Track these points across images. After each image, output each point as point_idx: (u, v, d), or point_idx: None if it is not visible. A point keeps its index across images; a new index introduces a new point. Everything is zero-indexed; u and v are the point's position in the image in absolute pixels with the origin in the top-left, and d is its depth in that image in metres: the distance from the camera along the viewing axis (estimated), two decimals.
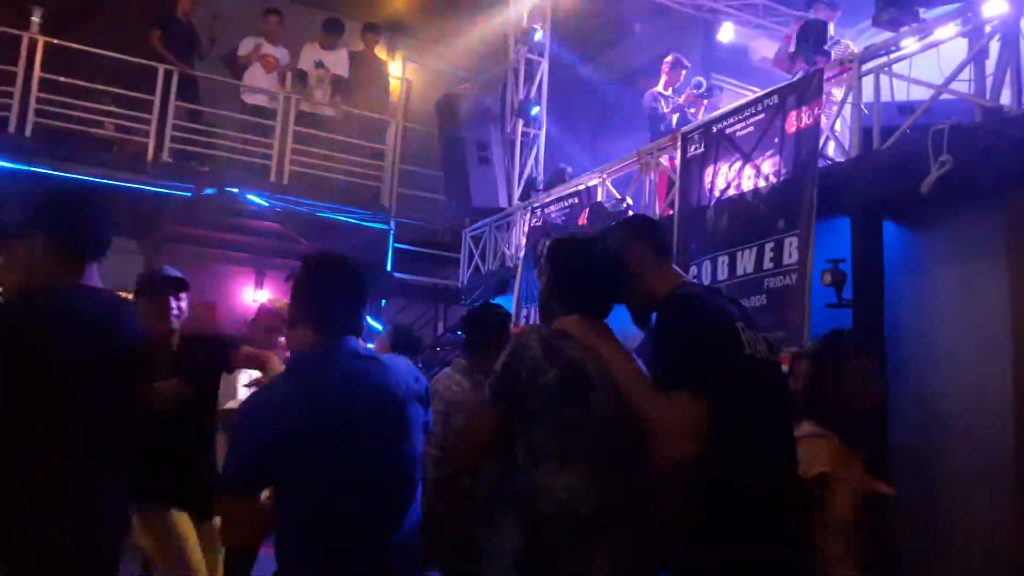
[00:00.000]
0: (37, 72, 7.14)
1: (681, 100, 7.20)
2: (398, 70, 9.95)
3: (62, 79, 7.23)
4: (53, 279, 1.95)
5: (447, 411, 3.08)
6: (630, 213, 5.53)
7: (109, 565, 1.96)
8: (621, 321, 2.17)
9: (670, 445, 1.83)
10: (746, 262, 4.16)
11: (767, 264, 4.01)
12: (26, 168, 6.95)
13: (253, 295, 8.87)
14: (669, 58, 7.41)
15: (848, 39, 7.86)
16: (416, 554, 2.08)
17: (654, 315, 2.08)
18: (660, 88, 7.30)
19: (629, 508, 1.93)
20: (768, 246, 4.02)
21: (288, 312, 2.22)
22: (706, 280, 4.38)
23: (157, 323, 2.93)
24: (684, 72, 7.34)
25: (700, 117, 7.17)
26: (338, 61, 8.51)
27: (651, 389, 1.90)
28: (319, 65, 8.38)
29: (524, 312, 6.35)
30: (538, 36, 8.45)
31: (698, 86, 7.19)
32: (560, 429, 1.92)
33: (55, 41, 7.28)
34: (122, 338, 1.97)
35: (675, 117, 7.19)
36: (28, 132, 7.09)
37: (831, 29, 5.38)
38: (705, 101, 7.20)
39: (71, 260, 1.98)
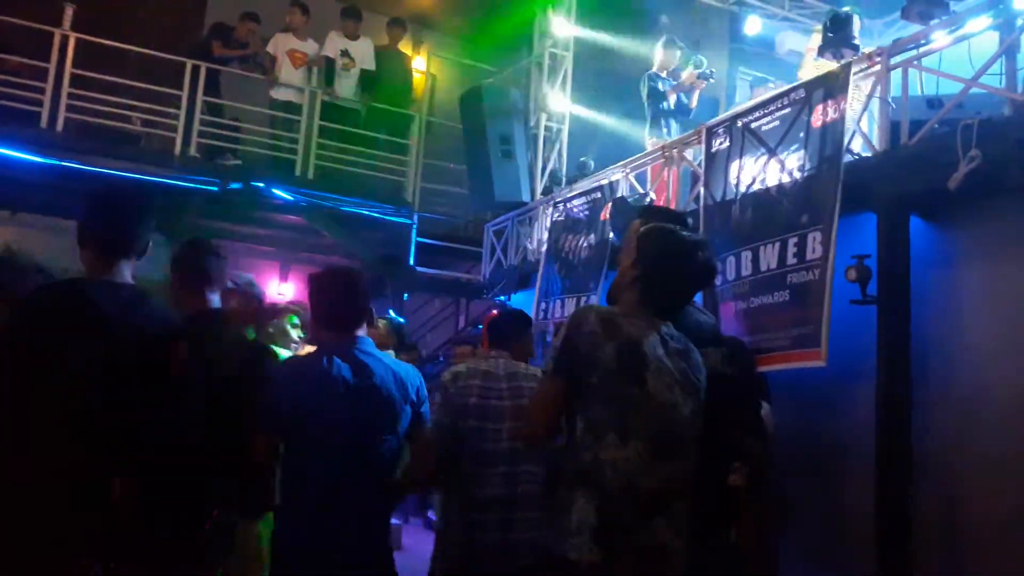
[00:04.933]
0: (68, 68, 7.26)
1: (683, 78, 6.98)
2: (423, 64, 9.97)
3: (93, 75, 7.34)
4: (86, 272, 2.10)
5: None
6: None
7: None
8: None
9: None
10: (769, 257, 4.12)
11: (790, 259, 3.97)
12: (57, 163, 7.08)
13: (278, 288, 8.96)
14: (662, 38, 7.27)
15: (876, 32, 7.74)
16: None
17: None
18: (655, 69, 7.17)
19: (687, 489, 2.02)
20: (792, 241, 3.98)
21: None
22: (730, 276, 4.35)
23: None
24: (679, 53, 7.16)
25: (696, 100, 7.03)
26: (364, 53, 8.54)
27: None
28: (345, 54, 8.43)
29: (543, 306, 6.34)
30: (562, 29, 8.43)
31: (699, 65, 6.96)
32: (617, 404, 1.97)
33: (87, 37, 7.39)
34: (130, 332, 2.03)
35: (673, 98, 7.02)
36: (59, 127, 7.21)
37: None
38: (704, 83, 6.97)
39: (99, 256, 2.11)
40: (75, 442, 1.91)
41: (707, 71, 6.87)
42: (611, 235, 5.62)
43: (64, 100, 7.21)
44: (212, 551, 2.17)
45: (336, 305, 2.54)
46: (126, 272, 2.12)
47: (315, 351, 2.56)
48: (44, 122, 7.16)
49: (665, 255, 2.10)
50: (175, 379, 2.06)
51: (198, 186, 7.65)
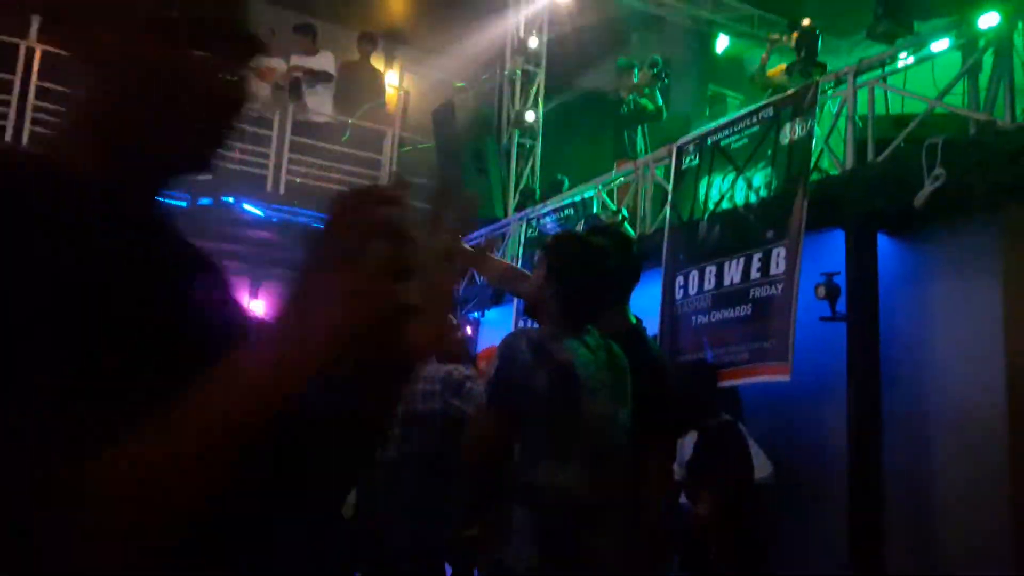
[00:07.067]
0: (34, 80, 7.13)
1: (636, 80, 7.15)
2: (395, 80, 9.95)
3: (59, 88, 7.22)
4: None
5: None
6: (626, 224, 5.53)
7: None
8: None
9: None
10: (733, 272, 4.15)
11: (754, 274, 4.00)
12: None
13: (249, 305, 8.85)
14: (616, 69, 7.48)
15: (844, 51, 7.88)
16: None
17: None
18: (618, 90, 7.35)
19: (624, 498, 2.07)
20: (756, 256, 4.01)
21: None
22: (692, 290, 4.38)
23: None
24: (634, 71, 7.34)
25: (658, 98, 7.20)
26: (324, 67, 8.45)
27: None
28: (308, 73, 8.37)
29: (521, 324, 6.33)
30: (535, 46, 8.46)
31: (653, 64, 7.13)
32: (553, 429, 2.02)
33: (53, 49, 7.26)
34: None
35: (634, 104, 7.20)
36: (24, 141, 7.07)
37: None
38: (659, 83, 7.15)
39: None
40: None
41: (659, 70, 7.03)
42: None
43: (29, 113, 7.08)
44: None
45: None
46: None
47: None
48: (9, 136, 7.02)
49: (575, 263, 2.13)
50: None
51: (167, 200, 7.49)
